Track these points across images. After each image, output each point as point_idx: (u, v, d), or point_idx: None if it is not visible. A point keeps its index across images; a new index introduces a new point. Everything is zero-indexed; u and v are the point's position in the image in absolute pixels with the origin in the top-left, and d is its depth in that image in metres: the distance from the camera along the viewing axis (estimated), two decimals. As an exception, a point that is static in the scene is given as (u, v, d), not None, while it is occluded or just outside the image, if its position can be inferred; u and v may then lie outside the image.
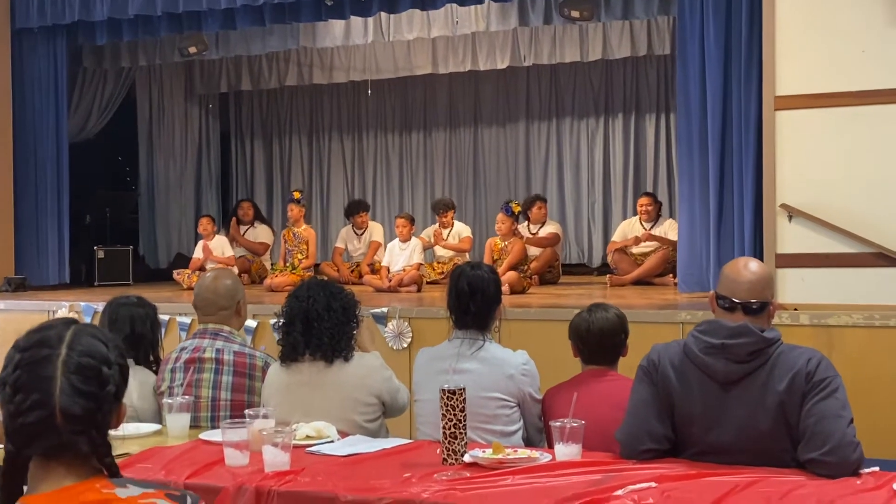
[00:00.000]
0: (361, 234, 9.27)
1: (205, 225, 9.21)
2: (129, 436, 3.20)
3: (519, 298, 7.13)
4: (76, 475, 1.57)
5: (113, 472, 1.61)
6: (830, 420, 2.54)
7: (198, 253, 9.16)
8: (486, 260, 7.76)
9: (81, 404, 1.56)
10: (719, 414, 2.65)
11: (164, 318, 6.53)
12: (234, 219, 9.72)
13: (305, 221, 9.02)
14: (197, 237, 10.31)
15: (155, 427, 3.38)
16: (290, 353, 3.37)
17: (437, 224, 8.96)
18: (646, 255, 8.39)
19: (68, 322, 1.64)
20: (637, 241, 8.50)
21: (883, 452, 5.13)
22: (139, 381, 3.59)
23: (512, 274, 7.55)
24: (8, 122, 8.68)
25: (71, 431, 1.56)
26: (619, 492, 2.36)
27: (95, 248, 9.69)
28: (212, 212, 10.78)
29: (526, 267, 7.97)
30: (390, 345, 6.17)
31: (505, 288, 7.20)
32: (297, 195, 8.98)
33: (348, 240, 9.35)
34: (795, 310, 5.70)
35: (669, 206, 9.63)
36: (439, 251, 9.00)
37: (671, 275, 7.92)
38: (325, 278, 8.73)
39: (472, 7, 8.42)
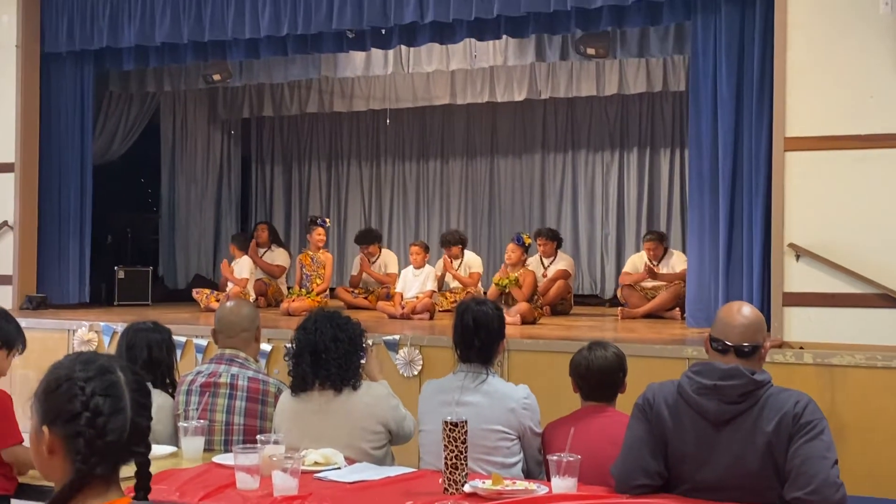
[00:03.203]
0: (375, 262, 9.40)
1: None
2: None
3: (529, 329, 7.22)
4: (101, 497, 1.70)
5: (147, 488, 1.77)
6: (815, 461, 2.64)
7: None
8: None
9: (146, 417, 1.76)
10: (710, 452, 2.76)
11: (180, 339, 6.70)
12: (253, 241, 9.91)
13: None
14: (216, 258, 10.49)
15: (171, 449, 3.52)
16: (300, 385, 3.50)
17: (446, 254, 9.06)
18: (657, 288, 8.47)
19: (94, 352, 1.80)
20: (646, 276, 8.55)
21: (882, 491, 5.21)
22: (157, 404, 3.70)
23: (523, 304, 7.64)
24: (35, 142, 8.87)
25: (135, 444, 1.73)
26: (610, 524, 2.47)
27: (116, 268, 9.85)
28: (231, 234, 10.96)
29: (537, 297, 8.07)
30: (401, 372, 6.28)
31: (517, 318, 7.36)
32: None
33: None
34: (801, 348, 5.78)
35: (682, 240, 9.70)
36: (453, 281, 9.10)
37: (678, 309, 7.99)
38: (341, 304, 8.85)
39: (491, 42, 8.55)
